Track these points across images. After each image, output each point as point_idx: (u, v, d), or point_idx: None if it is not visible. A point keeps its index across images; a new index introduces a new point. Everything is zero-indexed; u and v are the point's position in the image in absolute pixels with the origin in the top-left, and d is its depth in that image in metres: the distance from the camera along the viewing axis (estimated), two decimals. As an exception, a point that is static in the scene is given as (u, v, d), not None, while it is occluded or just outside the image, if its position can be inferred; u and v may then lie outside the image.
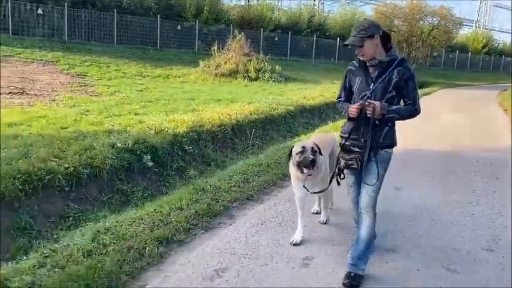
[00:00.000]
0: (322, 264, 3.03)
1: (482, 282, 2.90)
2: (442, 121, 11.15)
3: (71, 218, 4.53)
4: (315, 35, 29.16)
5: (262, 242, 3.29)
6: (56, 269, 2.62)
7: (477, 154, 7.16)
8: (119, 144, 5.71)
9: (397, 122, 2.93)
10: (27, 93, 10.21)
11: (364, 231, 2.91)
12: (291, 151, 3.39)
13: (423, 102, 14.40)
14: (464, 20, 52.55)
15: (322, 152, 3.34)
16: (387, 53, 2.86)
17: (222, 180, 4.71)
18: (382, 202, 3.67)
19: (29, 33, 18.78)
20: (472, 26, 54.41)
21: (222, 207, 3.86)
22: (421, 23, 29.11)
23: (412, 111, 2.87)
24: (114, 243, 2.98)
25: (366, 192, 2.90)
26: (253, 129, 8.15)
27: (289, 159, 3.42)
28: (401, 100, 2.92)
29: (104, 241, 3.01)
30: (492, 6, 57.69)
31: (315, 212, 4.06)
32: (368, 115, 2.75)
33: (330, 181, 3.17)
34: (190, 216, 3.57)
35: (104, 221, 3.62)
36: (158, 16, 22.51)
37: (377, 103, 2.74)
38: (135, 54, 20.14)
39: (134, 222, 3.39)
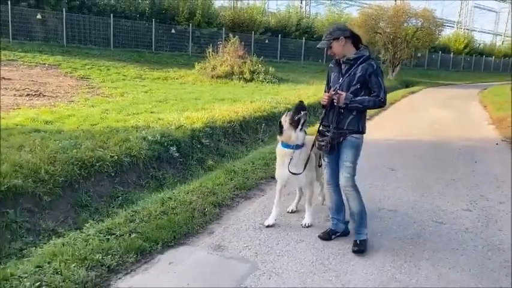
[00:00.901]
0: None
1: (462, 228, 3.83)
2: (429, 116, 12.16)
3: (120, 198, 5.34)
4: (303, 38, 30.18)
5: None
6: (143, 223, 3.45)
7: (459, 143, 8.17)
8: (149, 137, 6.52)
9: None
10: (44, 95, 10.91)
11: (353, 205, 3.37)
12: (280, 123, 3.73)
13: (410, 100, 15.58)
14: (447, 21, 54.28)
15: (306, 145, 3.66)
16: (356, 52, 3.33)
17: (246, 164, 5.58)
18: (381, 179, 4.57)
19: (28, 37, 19.32)
20: (454, 27, 56.22)
21: (253, 183, 4.75)
22: (405, 24, 30.19)
23: (376, 101, 3.25)
24: (179, 207, 3.82)
25: (342, 174, 3.33)
26: (263, 125, 8.97)
27: (280, 132, 3.71)
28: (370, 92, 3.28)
29: (171, 205, 3.85)
30: (473, 7, 59.58)
31: (291, 211, 4.12)
32: (334, 103, 3.24)
33: (305, 166, 3.55)
34: (231, 189, 4.44)
35: (164, 192, 4.43)
36: (153, 20, 23.18)
37: (343, 93, 3.20)
38: (132, 57, 20.80)
39: (188, 193, 4.23)
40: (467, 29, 56.19)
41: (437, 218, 4.10)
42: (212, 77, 18.35)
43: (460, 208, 4.43)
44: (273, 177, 4.94)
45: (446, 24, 53.53)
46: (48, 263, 2.76)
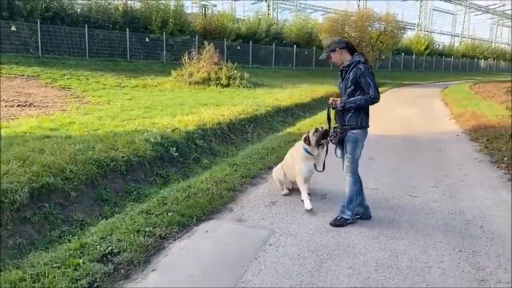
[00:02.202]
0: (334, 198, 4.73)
1: (431, 200, 4.74)
2: (397, 113, 13.28)
3: (134, 193, 5.97)
4: (273, 43, 31.21)
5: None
6: (174, 205, 4.16)
7: (426, 136, 9.23)
8: (151, 139, 7.16)
9: (370, 115, 3.99)
10: (34, 105, 11.28)
11: (348, 189, 4.00)
12: (306, 138, 4.50)
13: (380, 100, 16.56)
14: (407, 24, 56.98)
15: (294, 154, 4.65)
16: (351, 59, 3.89)
17: (245, 158, 6.35)
18: (362, 166, 5.37)
19: (2, 49, 19.32)
20: (414, 29, 58.89)
21: (255, 172, 5.52)
22: (369, 29, 31.83)
23: (367, 99, 3.78)
24: (199, 192, 4.54)
25: (345, 162, 4.01)
26: (251, 125, 9.73)
27: (308, 143, 4.48)
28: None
29: (192, 191, 4.56)
30: (431, 10, 62.53)
31: (285, 193, 4.85)
32: (333, 108, 3.98)
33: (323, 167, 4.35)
34: (238, 177, 5.19)
35: (179, 180, 5.13)
36: (127, 29, 23.53)
37: (338, 101, 3.88)
38: (108, 67, 21.06)
39: (203, 182, 4.95)
40: (427, 31, 58.97)
41: (411, 193, 5.00)
42: (190, 83, 18.87)
43: (428, 185, 5.35)
44: (270, 168, 5.73)
45: (408, 27, 56.23)
46: (110, 235, 3.43)
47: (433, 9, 62.81)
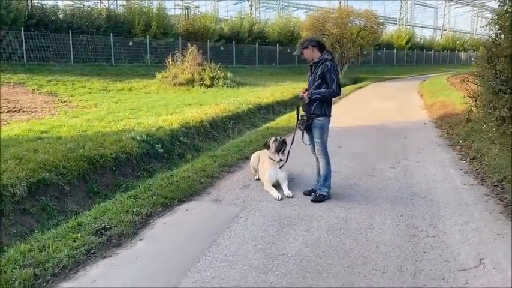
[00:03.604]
0: (300, 181, 5.32)
1: (386, 178, 5.38)
2: (372, 106, 13.96)
3: (123, 186, 6.50)
4: (256, 43, 31.80)
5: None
6: (159, 190, 4.72)
7: (395, 125, 9.92)
8: (138, 137, 7.70)
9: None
10: (23, 111, 11.72)
11: (322, 169, 4.62)
12: (267, 143, 5.09)
13: (356, 95, 17.52)
14: (389, 19, 58.04)
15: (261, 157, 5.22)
16: (320, 56, 4.45)
17: (224, 151, 6.93)
18: (329, 152, 5.98)
19: (-14, 57, 19.58)
20: (396, 23, 59.94)
21: (233, 162, 6.10)
22: (349, 25, 32.53)
23: (330, 92, 4.35)
24: (181, 180, 5.10)
25: (315, 146, 4.61)
26: (231, 122, 10.31)
27: (267, 148, 5.02)
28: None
29: (175, 179, 5.13)
30: (413, 4, 63.63)
31: (257, 178, 5.34)
32: (302, 98, 4.56)
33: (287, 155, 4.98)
34: (217, 166, 5.77)
35: (164, 172, 5.69)
36: (111, 34, 23.88)
37: (305, 94, 4.45)
38: (93, 71, 21.41)
39: (184, 172, 5.52)
40: (409, 25, 60.03)
41: (369, 173, 5.64)
42: (174, 85, 19.36)
43: (387, 167, 6.00)
44: (247, 158, 6.32)
45: (389, 22, 57.29)
46: (102, 215, 3.99)
47: (415, 4, 63.90)
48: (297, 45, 4.71)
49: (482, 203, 4.36)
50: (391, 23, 58.90)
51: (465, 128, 7.68)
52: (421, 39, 59.18)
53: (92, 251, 3.29)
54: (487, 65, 5.61)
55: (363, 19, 33.42)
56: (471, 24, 74.37)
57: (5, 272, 2.93)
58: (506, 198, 4.37)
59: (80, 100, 14.29)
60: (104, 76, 20.59)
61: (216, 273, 2.95)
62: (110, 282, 2.89)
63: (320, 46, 4.55)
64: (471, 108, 7.53)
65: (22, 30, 20.28)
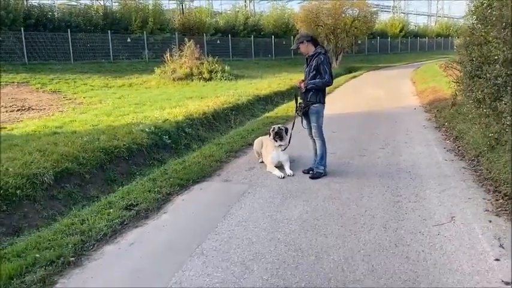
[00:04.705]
0: (299, 162, 5.92)
1: (376, 157, 5.98)
2: (366, 94, 14.55)
3: (136, 174, 7.09)
4: (252, 35, 32.23)
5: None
6: (174, 173, 5.32)
7: (387, 111, 10.54)
8: (146, 130, 8.27)
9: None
10: (32, 109, 12.26)
11: (318, 149, 5.23)
12: (269, 133, 5.72)
13: (351, 84, 18.16)
14: (383, 7, 58.34)
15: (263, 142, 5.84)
16: (314, 50, 5.07)
17: (229, 139, 7.52)
18: (326, 137, 6.55)
19: (-11, 59, 20.01)
20: (390, 11, 60.31)
21: (238, 148, 6.70)
22: (343, 15, 32.99)
23: (323, 82, 4.94)
24: (193, 164, 5.70)
25: (312, 129, 5.21)
26: (233, 113, 10.89)
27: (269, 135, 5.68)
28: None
29: (187, 164, 5.72)
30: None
31: (261, 161, 5.91)
32: (299, 88, 5.23)
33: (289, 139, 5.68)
34: (223, 152, 6.37)
35: (176, 159, 6.28)
36: (108, 31, 24.30)
37: (302, 84, 5.07)
38: (93, 69, 21.87)
39: (195, 157, 6.11)
40: (403, 13, 60.41)
41: (361, 153, 6.26)
42: (174, 80, 19.81)
43: (377, 147, 6.61)
44: (250, 144, 6.91)
45: (383, 10, 57.58)
46: (127, 195, 4.58)
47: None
48: (294, 41, 5.29)
49: (459, 175, 4.98)
50: (385, 11, 59.24)
51: (450, 111, 8.29)
52: (415, 26, 59.61)
53: (125, 222, 3.89)
54: (465, 52, 6.19)
55: (356, 9, 33.87)
56: (466, 10, 74.54)
57: (56, 239, 3.52)
58: (480, 170, 4.99)
59: (84, 97, 14.80)
60: (104, 73, 21.04)
61: (232, 234, 3.56)
62: (146, 244, 3.49)
63: (314, 41, 5.14)
64: (456, 93, 8.12)
65: (22, 30, 20.68)
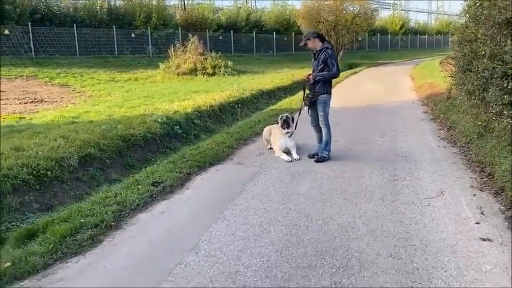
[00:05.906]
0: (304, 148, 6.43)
1: (375, 145, 6.50)
2: (366, 89, 15.07)
3: (152, 160, 7.60)
4: (253, 32, 32.68)
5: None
6: (191, 156, 5.83)
7: (386, 104, 11.05)
8: (159, 120, 8.78)
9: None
10: (45, 101, 12.76)
11: (324, 135, 5.73)
12: (277, 121, 6.39)
13: (352, 79, 18.73)
14: (384, 4, 58.72)
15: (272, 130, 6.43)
16: (322, 45, 5.86)
17: (238, 128, 8.04)
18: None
19: (-2, 52, 20.44)
20: (390, 8, 60.68)
21: (247, 136, 7.22)
22: (344, 12, 33.42)
23: (331, 74, 5.45)
24: (207, 150, 6.22)
25: (319, 118, 5.71)
26: (239, 106, 11.40)
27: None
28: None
29: (201, 150, 6.24)
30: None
31: (269, 147, 6.46)
32: (308, 80, 5.85)
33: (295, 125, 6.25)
34: (234, 140, 6.89)
35: (190, 146, 6.80)
36: (113, 26, 24.73)
37: (311, 76, 5.62)
38: (98, 63, 22.33)
39: (208, 144, 6.63)
40: (403, 10, 60.79)
41: (361, 142, 6.80)
42: (178, 74, 20.28)
43: (376, 137, 7.14)
44: (258, 133, 7.42)
45: (384, 7, 57.95)
46: (152, 174, 5.10)
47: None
48: (303, 38, 5.81)
49: (450, 159, 5.51)
50: (385, 8, 59.63)
51: (446, 104, 8.80)
52: (415, 24, 60.00)
53: (154, 196, 4.41)
54: (458, 48, 6.70)
55: (357, 6, 34.28)
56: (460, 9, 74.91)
57: (95, 209, 4.03)
58: (470, 154, 5.52)
59: (92, 90, 15.29)
60: (109, 68, 21.48)
61: (250, 205, 4.08)
62: (175, 212, 4.01)
63: (320, 37, 5.72)
64: (451, 87, 8.62)
65: (29, 25, 21.10)
